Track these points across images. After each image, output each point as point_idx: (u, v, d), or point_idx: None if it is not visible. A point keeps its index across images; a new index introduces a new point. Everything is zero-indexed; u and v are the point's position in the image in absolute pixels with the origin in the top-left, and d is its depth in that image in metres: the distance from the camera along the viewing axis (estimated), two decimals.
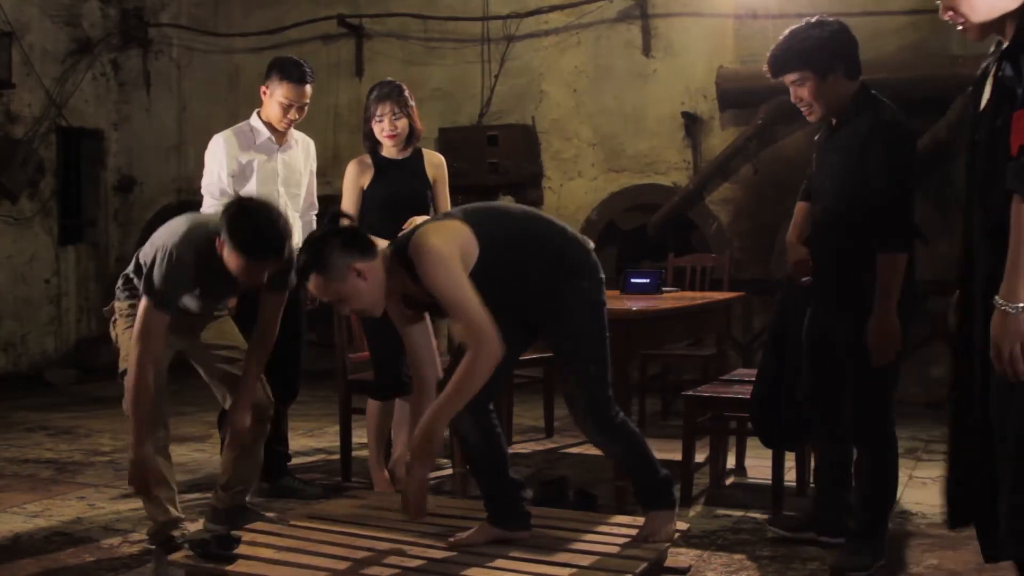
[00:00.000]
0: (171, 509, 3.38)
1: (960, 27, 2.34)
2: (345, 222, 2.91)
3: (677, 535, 3.18)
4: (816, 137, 3.41)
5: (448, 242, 2.76)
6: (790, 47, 3.15)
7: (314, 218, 4.50)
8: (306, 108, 4.20)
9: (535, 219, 3.06)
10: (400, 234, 2.92)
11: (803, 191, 3.53)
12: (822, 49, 3.10)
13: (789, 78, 3.16)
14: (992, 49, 2.39)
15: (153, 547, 3.37)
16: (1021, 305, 2.12)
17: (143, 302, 3.18)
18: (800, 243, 3.45)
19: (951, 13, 2.33)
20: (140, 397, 3.15)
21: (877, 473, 3.24)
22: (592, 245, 3.08)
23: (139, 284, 3.28)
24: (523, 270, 2.94)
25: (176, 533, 3.35)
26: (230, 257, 3.11)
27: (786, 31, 3.21)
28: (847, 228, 3.14)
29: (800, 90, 3.16)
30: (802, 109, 3.22)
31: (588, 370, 2.98)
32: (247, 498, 3.65)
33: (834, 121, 3.21)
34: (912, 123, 3.17)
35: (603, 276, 3.04)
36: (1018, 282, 2.12)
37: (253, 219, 3.09)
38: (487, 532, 3.03)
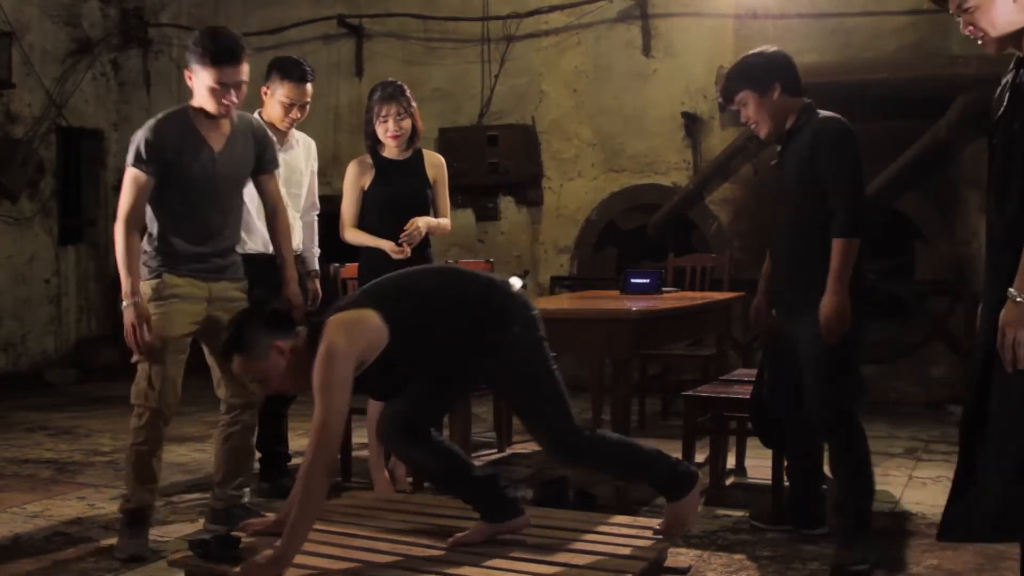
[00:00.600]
0: (149, 495, 3.46)
1: (980, 41, 2.40)
2: (266, 306, 2.95)
3: None
4: (772, 163, 3.60)
5: (351, 342, 2.76)
6: (732, 74, 3.45)
7: (315, 218, 4.50)
8: (308, 107, 4.21)
9: (448, 277, 3.05)
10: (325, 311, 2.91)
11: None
12: (759, 68, 3.39)
13: (736, 99, 3.42)
14: None
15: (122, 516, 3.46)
16: None
17: (125, 173, 3.36)
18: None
19: (971, 28, 2.38)
20: (129, 248, 3.31)
21: (852, 467, 3.32)
22: (518, 284, 3.07)
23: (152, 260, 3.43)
24: (445, 333, 2.94)
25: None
26: (199, 83, 3.34)
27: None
28: (806, 232, 3.32)
29: (746, 110, 3.41)
30: (752, 128, 3.46)
31: (543, 411, 3.01)
32: (246, 499, 3.65)
33: (784, 141, 3.43)
34: (850, 122, 3.35)
35: (535, 312, 3.02)
36: None
37: (210, 31, 3.39)
38: (484, 530, 3.03)
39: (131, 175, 3.34)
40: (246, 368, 2.87)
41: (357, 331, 2.81)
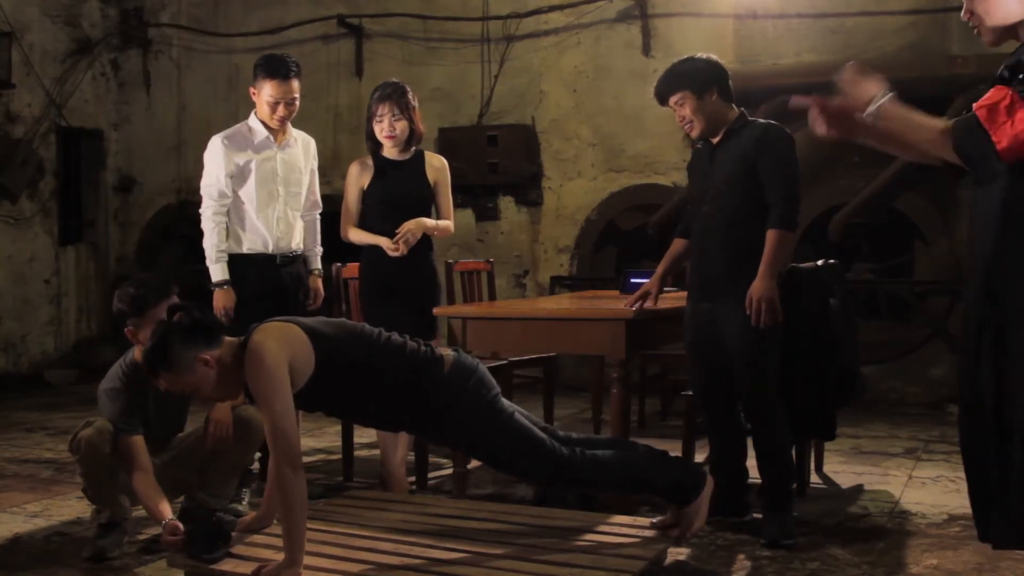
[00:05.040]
0: (123, 511, 3.47)
1: (976, 31, 2.38)
2: (181, 316, 2.89)
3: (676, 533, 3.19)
4: (689, 161, 3.85)
5: (281, 349, 2.77)
6: (671, 74, 3.60)
7: (317, 217, 4.49)
8: (297, 102, 4.18)
9: (381, 346, 3.00)
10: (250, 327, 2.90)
11: (680, 228, 3.89)
12: (699, 72, 3.57)
13: (673, 99, 3.58)
14: None
15: (98, 525, 3.45)
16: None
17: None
18: (662, 276, 3.84)
19: (969, 14, 2.37)
20: (146, 495, 3.32)
21: (774, 449, 3.55)
22: (447, 353, 3.06)
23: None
24: (375, 395, 2.96)
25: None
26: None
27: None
28: (746, 225, 3.51)
29: (682, 109, 3.58)
30: (684, 127, 3.63)
31: (509, 461, 3.05)
32: (219, 505, 3.67)
33: (715, 140, 3.61)
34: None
35: (473, 369, 3.02)
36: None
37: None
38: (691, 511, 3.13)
39: (125, 440, 3.40)
40: (174, 384, 2.85)
41: (287, 339, 2.82)
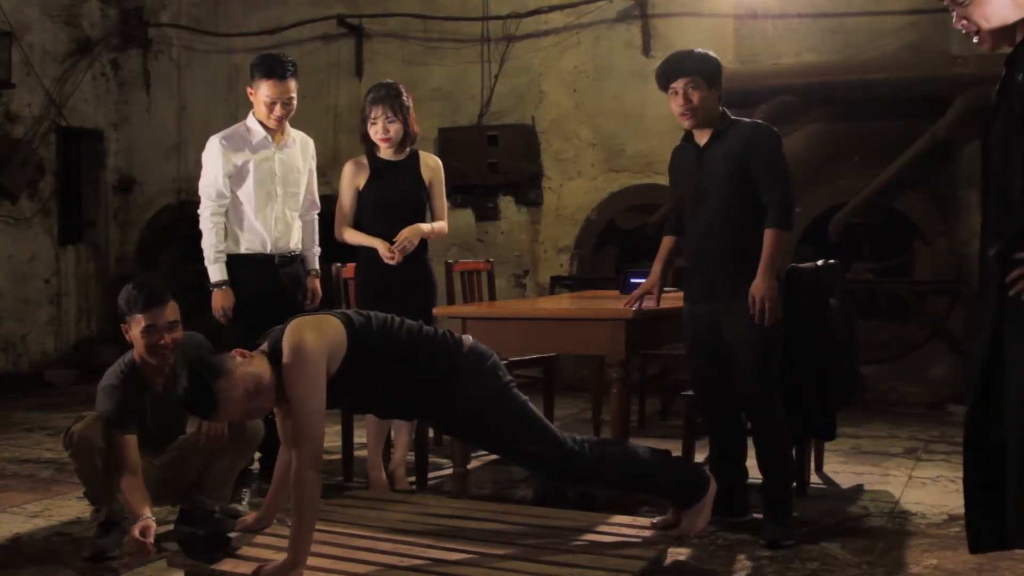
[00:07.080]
0: (122, 509, 3.46)
1: (974, 38, 2.37)
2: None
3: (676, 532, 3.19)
4: (674, 159, 3.77)
5: (320, 341, 2.77)
6: (688, 57, 3.57)
7: (316, 217, 4.49)
8: (294, 102, 4.18)
9: (397, 330, 3.00)
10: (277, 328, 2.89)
11: (668, 226, 3.87)
12: (713, 65, 3.57)
13: (683, 81, 3.52)
14: None
15: (98, 523, 3.47)
16: None
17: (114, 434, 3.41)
18: (661, 275, 3.82)
19: (964, 22, 2.35)
20: (129, 493, 3.32)
21: (774, 448, 3.57)
22: (464, 337, 3.09)
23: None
24: (391, 379, 2.96)
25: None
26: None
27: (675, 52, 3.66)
28: (741, 225, 3.51)
29: (692, 92, 3.52)
30: (683, 112, 3.55)
31: (521, 450, 3.04)
32: (217, 506, 3.66)
33: (701, 142, 3.59)
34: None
35: (488, 355, 3.05)
36: None
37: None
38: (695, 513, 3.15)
39: (118, 437, 3.40)
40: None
41: (325, 330, 2.82)
